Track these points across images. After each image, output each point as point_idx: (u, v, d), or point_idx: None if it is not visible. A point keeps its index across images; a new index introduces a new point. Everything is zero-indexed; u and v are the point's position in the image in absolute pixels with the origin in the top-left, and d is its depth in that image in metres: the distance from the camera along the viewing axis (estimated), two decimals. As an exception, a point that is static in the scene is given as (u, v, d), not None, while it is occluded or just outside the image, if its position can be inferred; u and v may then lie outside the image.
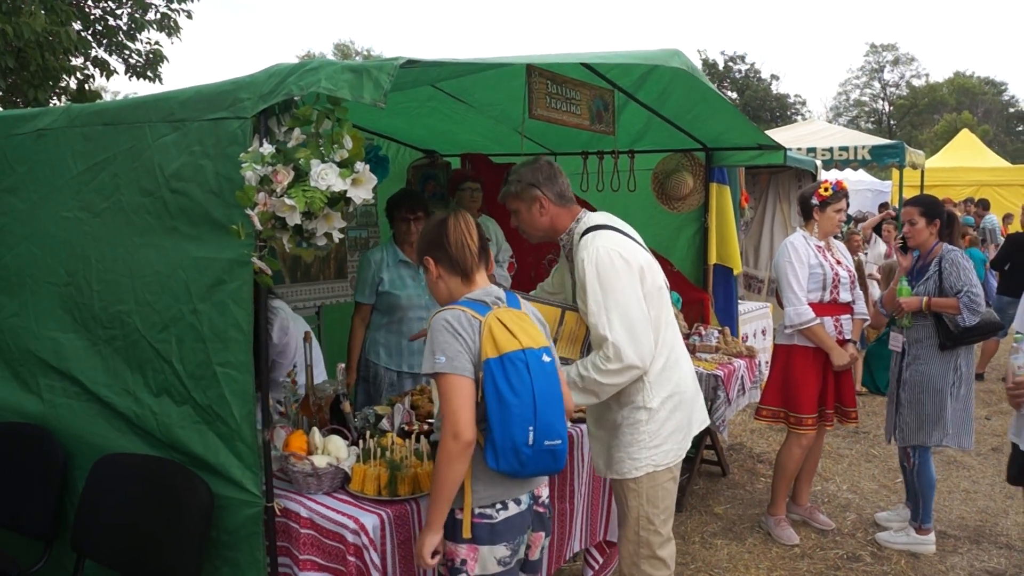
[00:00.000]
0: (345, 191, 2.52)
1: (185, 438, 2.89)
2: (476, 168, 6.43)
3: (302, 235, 2.66)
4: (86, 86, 9.21)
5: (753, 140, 5.71)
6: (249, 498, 2.75)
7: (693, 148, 5.88)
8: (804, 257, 4.87)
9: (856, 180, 19.95)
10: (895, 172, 20.23)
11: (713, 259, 6.07)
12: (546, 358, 2.57)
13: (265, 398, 2.75)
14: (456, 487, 2.48)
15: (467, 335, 2.48)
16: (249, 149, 2.61)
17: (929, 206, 4.82)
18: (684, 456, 3.21)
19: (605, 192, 5.94)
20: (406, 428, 3.46)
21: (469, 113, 5.51)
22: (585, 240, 3.02)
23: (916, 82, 58.39)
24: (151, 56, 9.93)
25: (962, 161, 19.91)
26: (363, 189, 2.57)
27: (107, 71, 9.35)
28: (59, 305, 3.37)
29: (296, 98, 2.52)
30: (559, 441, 2.53)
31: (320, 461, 2.87)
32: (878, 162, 13.12)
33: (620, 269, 2.95)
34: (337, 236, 2.68)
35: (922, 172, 15.11)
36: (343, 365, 3.37)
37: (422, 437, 3.11)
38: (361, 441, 3.07)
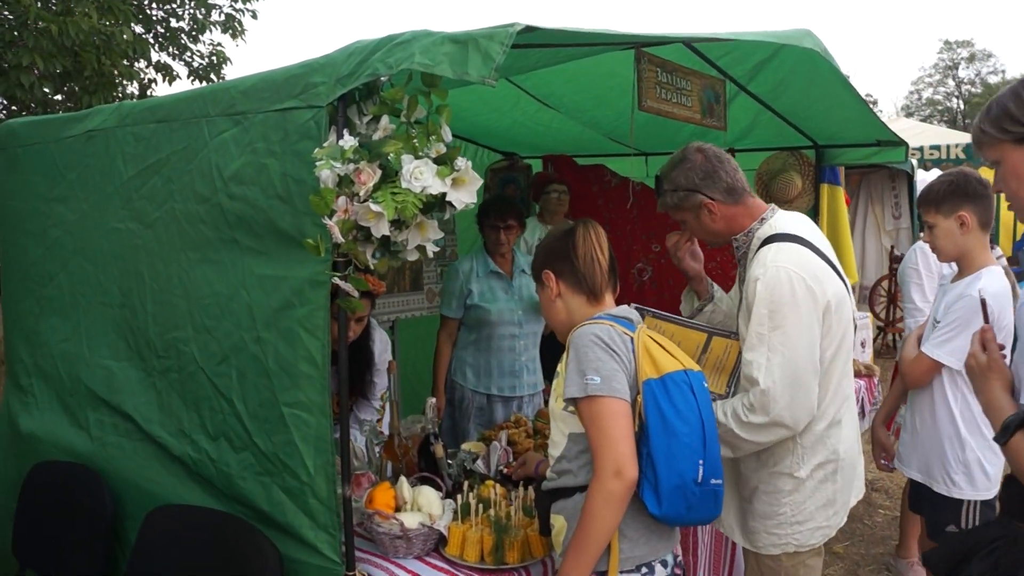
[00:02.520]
0: (444, 194, 2.04)
1: (247, 491, 2.43)
2: (560, 170, 5.96)
3: (388, 248, 2.18)
4: (148, 92, 8.94)
5: (872, 136, 5.13)
6: (326, 564, 2.28)
7: (802, 146, 5.31)
8: (935, 266, 4.28)
9: (922, 181, 18.97)
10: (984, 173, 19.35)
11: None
12: (706, 383, 2.20)
13: (346, 445, 2.28)
14: (608, 541, 2.01)
15: (622, 352, 2.07)
16: (325, 144, 2.15)
17: None
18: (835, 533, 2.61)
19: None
20: (504, 471, 2.97)
21: (556, 118, 5.11)
22: (764, 253, 2.42)
23: (992, 79, 56.28)
24: (214, 58, 9.62)
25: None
26: (465, 191, 2.09)
27: (170, 76, 9.07)
28: (113, 329, 3.00)
29: (383, 79, 2.05)
30: (721, 480, 2.11)
31: (411, 520, 2.38)
32: (973, 162, 12.32)
33: (802, 302, 2.32)
34: (432, 250, 2.21)
35: (1018, 171, 14.20)
36: (432, 400, 2.87)
37: (528, 486, 2.61)
38: (459, 495, 2.57)
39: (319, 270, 2.19)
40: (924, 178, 17.61)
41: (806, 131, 5.11)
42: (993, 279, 2.83)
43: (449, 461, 2.80)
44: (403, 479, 2.55)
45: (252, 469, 2.42)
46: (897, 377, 3.31)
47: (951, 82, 56.56)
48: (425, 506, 2.47)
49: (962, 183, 2.88)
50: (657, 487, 1.98)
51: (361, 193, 2.02)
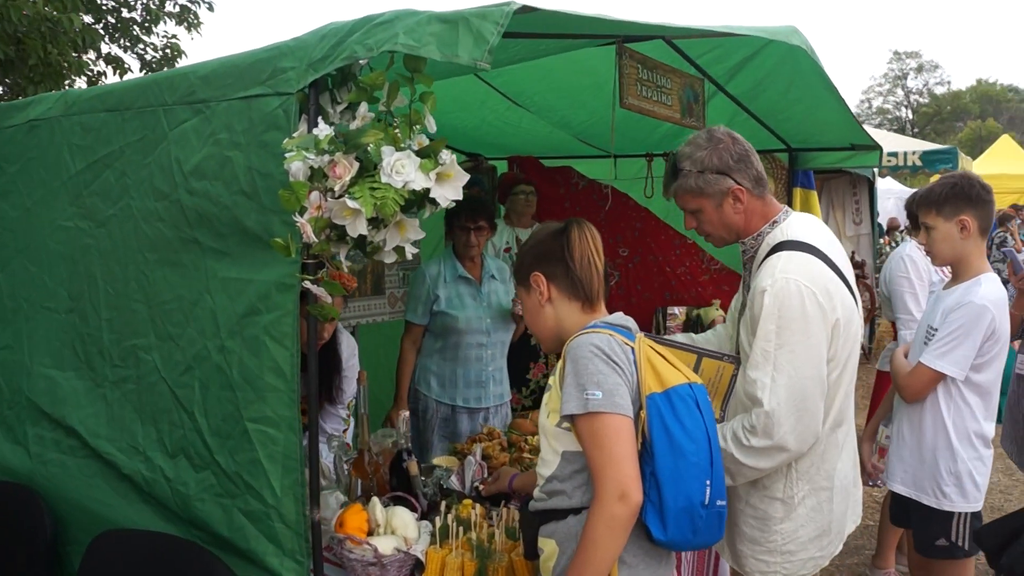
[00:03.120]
0: (428, 189, 1.86)
1: (205, 513, 2.22)
2: (526, 172, 5.80)
3: (364, 249, 2.00)
4: (98, 84, 8.59)
5: (847, 139, 5.05)
6: (292, 595, 2.08)
7: (775, 149, 5.22)
8: (924, 273, 4.20)
9: (885, 189, 19.20)
10: (931, 180, 19.62)
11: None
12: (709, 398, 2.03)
13: (315, 462, 2.09)
14: (610, 570, 1.84)
15: (624, 364, 1.90)
16: (295, 134, 1.95)
17: None
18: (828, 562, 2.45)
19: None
20: (480, 488, 2.79)
21: (525, 118, 4.95)
22: (774, 261, 2.22)
23: (939, 89, 57.53)
24: (168, 51, 9.26)
25: (1004, 168, 19.19)
26: (451, 187, 1.92)
27: (121, 68, 8.69)
28: (58, 336, 2.76)
29: (362, 62, 1.86)
30: (724, 502, 1.95)
31: (385, 545, 2.19)
32: (929, 168, 12.38)
33: (812, 318, 2.14)
34: (411, 252, 2.03)
35: (971, 179, 14.40)
36: (406, 413, 2.66)
37: (509, 505, 2.44)
38: (436, 516, 2.37)
39: (287, 273, 2.00)
40: (881, 186, 17.82)
41: (780, 133, 5.01)
42: (992, 286, 2.73)
43: (424, 478, 2.61)
44: (375, 500, 2.35)
45: (212, 490, 2.21)
46: (887, 392, 3.20)
47: (900, 92, 57.67)
48: (400, 529, 2.28)
49: (966, 187, 2.78)
50: (662, 510, 1.82)
51: (336, 188, 1.83)
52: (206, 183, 2.17)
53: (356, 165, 1.83)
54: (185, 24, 9.45)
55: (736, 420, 2.23)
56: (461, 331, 3.90)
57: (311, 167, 1.84)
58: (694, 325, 5.33)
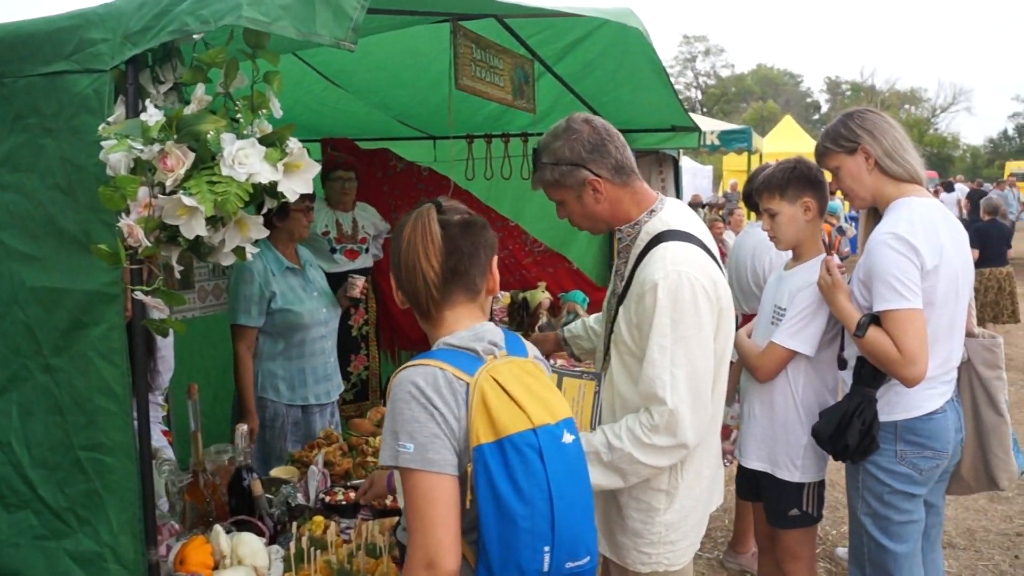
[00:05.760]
0: (275, 183, 1.65)
1: (19, 561, 1.90)
2: (342, 154, 5.54)
3: (199, 252, 1.76)
4: None
5: (668, 121, 5.16)
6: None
7: (599, 130, 5.24)
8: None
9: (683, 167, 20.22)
10: (724, 158, 20.84)
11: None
12: (568, 437, 1.71)
13: (149, 488, 1.82)
14: None
15: (447, 408, 1.61)
16: (110, 119, 1.68)
17: None
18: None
19: (495, 180, 5.30)
20: (327, 500, 2.59)
21: (343, 99, 4.70)
22: (660, 252, 2.15)
23: (724, 72, 61.27)
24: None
25: (789, 146, 20.62)
26: (299, 180, 1.72)
27: None
28: None
29: (196, 37, 1.61)
30: (586, 560, 1.69)
31: (234, 579, 1.96)
32: (727, 147, 13.05)
33: (703, 310, 2.09)
34: (251, 252, 1.80)
35: (760, 156, 15.33)
36: (244, 427, 2.39)
37: (368, 519, 2.26)
38: (287, 539, 2.15)
39: (107, 281, 1.73)
40: (684, 165, 18.61)
41: (604, 115, 5.00)
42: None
43: (269, 496, 2.37)
44: (218, 528, 2.10)
45: (31, 532, 1.89)
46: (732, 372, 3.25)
47: (690, 73, 60.86)
48: (248, 558, 2.05)
49: (804, 170, 2.85)
50: (491, 574, 1.61)
51: (168, 182, 1.58)
52: (20, 176, 1.85)
53: (191, 156, 1.59)
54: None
55: (630, 418, 2.14)
56: (305, 326, 3.61)
57: (136, 158, 1.58)
58: (520, 308, 5.27)
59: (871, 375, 2.60)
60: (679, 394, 2.06)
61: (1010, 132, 56.72)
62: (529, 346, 1.83)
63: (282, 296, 3.50)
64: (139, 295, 1.64)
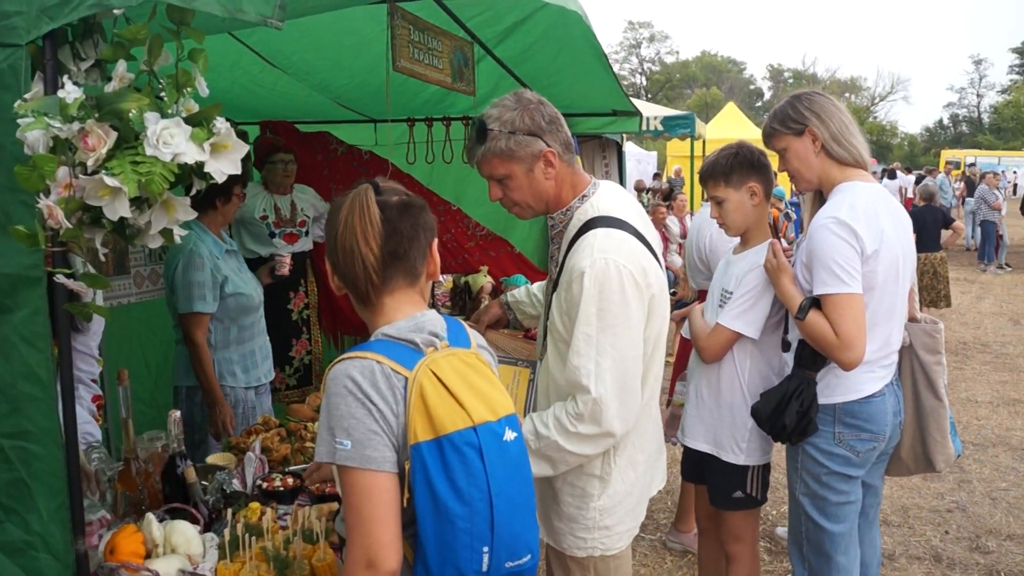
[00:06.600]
0: (202, 163, 1.61)
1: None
2: (281, 137, 5.46)
3: (124, 234, 1.71)
4: None
5: (609, 105, 5.17)
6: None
7: (541, 114, 5.24)
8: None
9: (626, 153, 20.40)
10: (668, 144, 21.04)
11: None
12: (510, 434, 1.67)
13: (75, 471, 1.78)
14: None
15: (385, 403, 1.58)
16: (28, 96, 1.62)
17: None
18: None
19: (436, 164, 5.28)
20: (264, 486, 2.56)
21: (281, 80, 4.60)
22: (590, 240, 2.13)
23: (669, 59, 61.78)
24: None
25: (732, 133, 20.89)
26: (227, 160, 1.69)
27: None
28: None
29: (117, 12, 1.56)
30: (527, 558, 1.67)
31: (167, 567, 1.92)
32: (670, 132, 13.12)
33: (631, 298, 2.07)
34: (179, 234, 1.77)
35: (704, 142, 15.47)
36: (177, 413, 2.34)
37: (305, 505, 2.24)
38: (222, 526, 2.12)
39: (28, 264, 1.67)
40: (629, 150, 18.66)
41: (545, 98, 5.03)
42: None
43: (204, 483, 2.33)
44: (149, 516, 2.06)
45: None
46: (680, 354, 3.28)
47: (635, 59, 61.25)
48: (182, 546, 2.02)
49: (747, 155, 2.87)
50: (428, 573, 1.60)
51: (89, 162, 1.54)
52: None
53: (113, 135, 1.55)
54: None
55: (558, 407, 2.14)
56: (255, 307, 3.65)
57: (55, 137, 1.53)
58: (462, 293, 5.27)
59: (811, 358, 2.63)
60: (604, 383, 2.06)
61: (945, 121, 58.33)
62: (473, 335, 1.81)
63: (231, 280, 3.47)
64: (60, 278, 1.60)
